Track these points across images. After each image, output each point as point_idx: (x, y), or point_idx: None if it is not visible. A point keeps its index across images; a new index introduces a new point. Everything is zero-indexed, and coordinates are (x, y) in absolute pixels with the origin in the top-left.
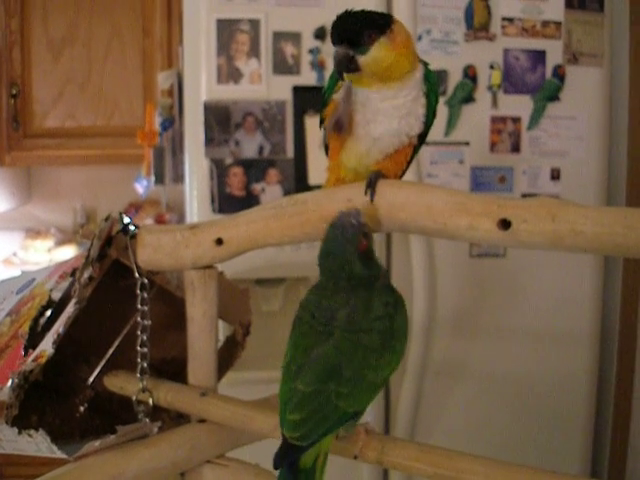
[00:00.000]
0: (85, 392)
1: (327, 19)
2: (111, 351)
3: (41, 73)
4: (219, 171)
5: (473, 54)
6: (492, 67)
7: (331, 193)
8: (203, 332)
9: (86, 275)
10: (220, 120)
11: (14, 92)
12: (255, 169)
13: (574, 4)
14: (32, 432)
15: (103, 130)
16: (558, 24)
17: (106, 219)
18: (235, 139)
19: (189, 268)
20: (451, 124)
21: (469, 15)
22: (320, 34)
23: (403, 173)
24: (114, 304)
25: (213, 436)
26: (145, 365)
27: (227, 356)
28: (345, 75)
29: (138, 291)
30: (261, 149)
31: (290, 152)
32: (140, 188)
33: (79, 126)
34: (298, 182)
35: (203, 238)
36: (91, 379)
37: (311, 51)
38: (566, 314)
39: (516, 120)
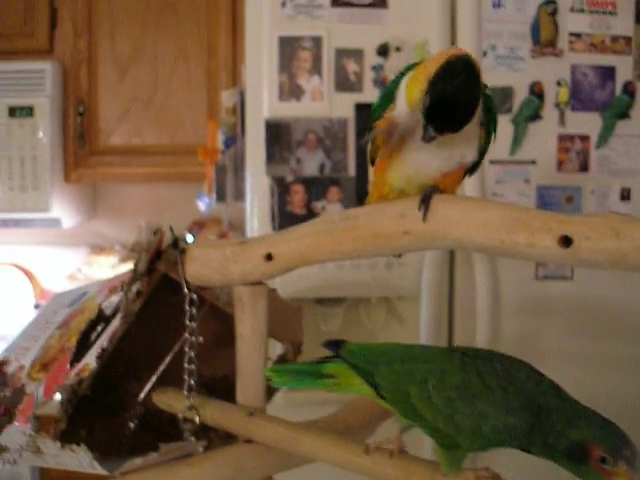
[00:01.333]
0: (135, 408)
1: (389, 35)
2: (162, 367)
3: (107, 91)
4: (280, 189)
5: (539, 70)
6: (559, 84)
7: (383, 208)
8: (252, 350)
9: (134, 289)
10: (281, 138)
11: (81, 110)
12: (316, 187)
13: None
14: (74, 447)
15: (167, 148)
16: (628, 39)
17: (155, 233)
18: (296, 157)
19: (238, 284)
20: (517, 142)
21: (535, 30)
22: (382, 51)
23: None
24: (166, 320)
25: (259, 457)
26: (192, 382)
27: None
28: None
29: (187, 307)
30: (322, 167)
31: (352, 170)
32: (202, 205)
33: (144, 144)
34: (359, 201)
35: (252, 253)
36: (142, 395)
37: (374, 68)
38: (637, 340)
39: (584, 138)
